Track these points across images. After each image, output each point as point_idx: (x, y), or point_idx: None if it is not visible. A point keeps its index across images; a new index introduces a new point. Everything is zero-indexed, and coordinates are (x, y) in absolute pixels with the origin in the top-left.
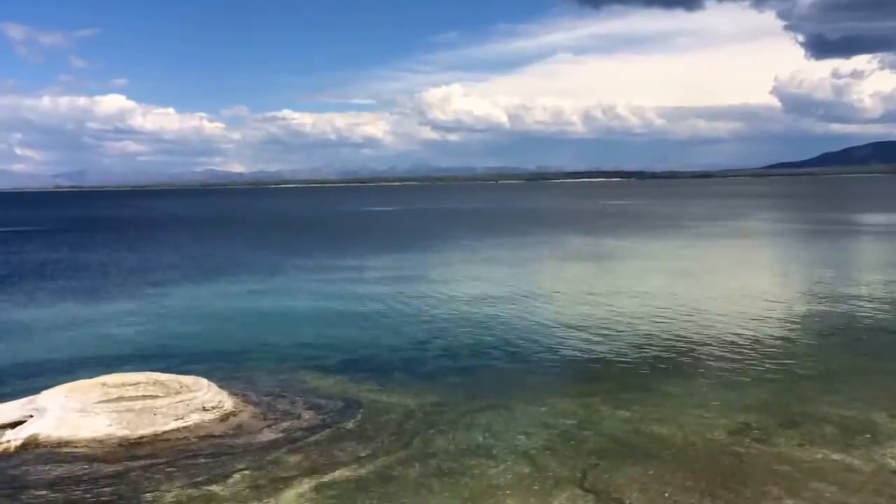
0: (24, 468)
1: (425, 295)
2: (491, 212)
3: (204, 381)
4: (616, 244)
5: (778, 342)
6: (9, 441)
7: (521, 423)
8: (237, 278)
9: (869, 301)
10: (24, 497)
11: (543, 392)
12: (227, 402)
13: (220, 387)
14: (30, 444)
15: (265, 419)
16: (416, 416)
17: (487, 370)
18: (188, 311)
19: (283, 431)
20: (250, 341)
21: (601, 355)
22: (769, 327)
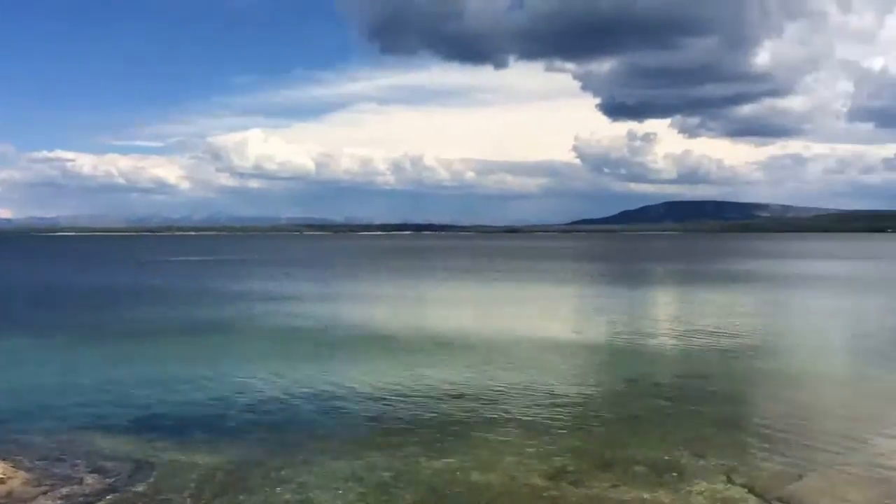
0: None
1: (225, 345)
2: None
3: None
4: (427, 295)
5: (587, 388)
6: None
7: (335, 479)
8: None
9: (667, 348)
10: None
11: (358, 445)
12: None
13: None
14: None
15: (40, 485)
16: (217, 476)
17: (298, 424)
18: None
19: (62, 498)
20: (19, 404)
21: (416, 405)
22: (578, 374)
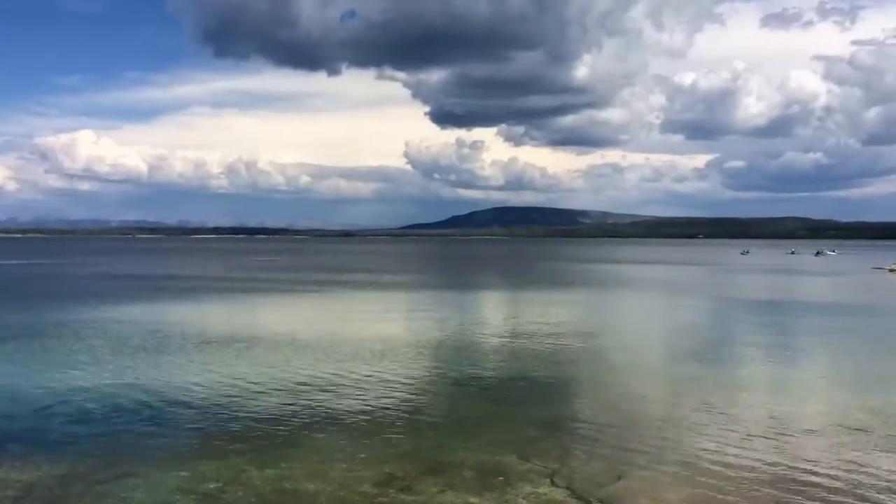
0: None
1: (44, 355)
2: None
3: None
4: (261, 301)
5: (417, 391)
6: None
7: (160, 491)
8: None
9: (494, 349)
10: None
11: (185, 455)
12: None
13: None
14: None
15: None
16: (36, 491)
17: (123, 435)
18: None
19: None
20: None
21: (246, 411)
22: (408, 376)
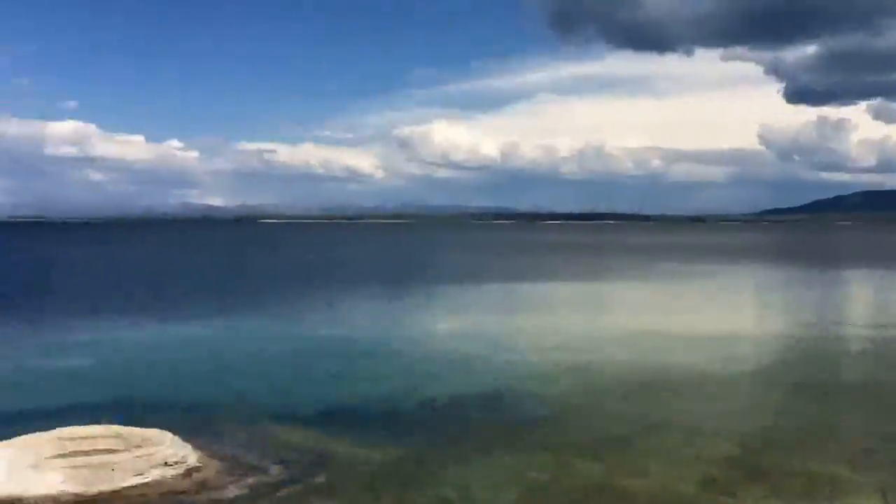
0: None
1: (405, 343)
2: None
3: (167, 434)
4: (611, 288)
5: (749, 395)
6: None
7: (494, 477)
8: (208, 322)
9: (853, 355)
10: None
11: (519, 444)
12: (191, 457)
13: (184, 440)
14: None
15: (231, 474)
16: (388, 470)
17: (466, 422)
18: (152, 358)
19: (249, 487)
20: (217, 391)
21: (580, 406)
22: (741, 379)
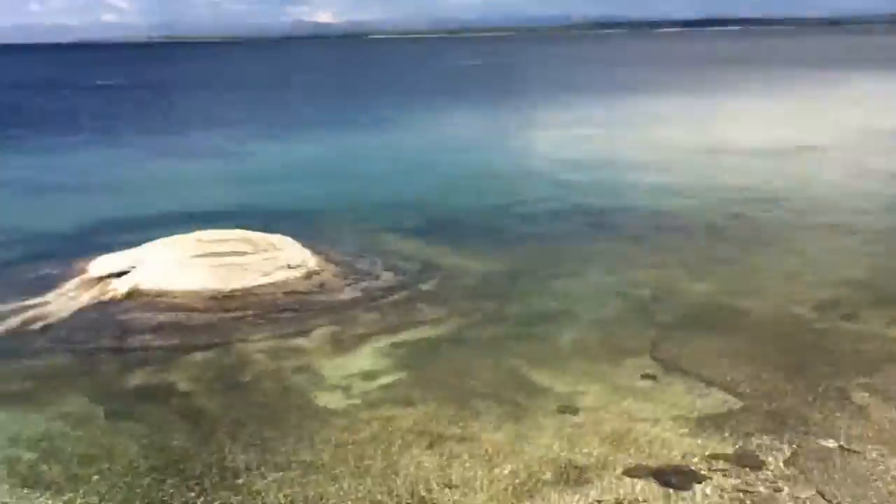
0: (128, 314)
1: (512, 157)
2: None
3: (289, 239)
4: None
5: (886, 219)
6: (115, 289)
7: (596, 292)
8: (325, 136)
9: None
10: (129, 340)
11: (623, 261)
12: (311, 261)
13: (304, 246)
14: (133, 293)
15: (346, 278)
16: (491, 280)
17: (566, 237)
18: (275, 171)
19: (362, 291)
20: (334, 202)
21: (689, 223)
22: (875, 200)
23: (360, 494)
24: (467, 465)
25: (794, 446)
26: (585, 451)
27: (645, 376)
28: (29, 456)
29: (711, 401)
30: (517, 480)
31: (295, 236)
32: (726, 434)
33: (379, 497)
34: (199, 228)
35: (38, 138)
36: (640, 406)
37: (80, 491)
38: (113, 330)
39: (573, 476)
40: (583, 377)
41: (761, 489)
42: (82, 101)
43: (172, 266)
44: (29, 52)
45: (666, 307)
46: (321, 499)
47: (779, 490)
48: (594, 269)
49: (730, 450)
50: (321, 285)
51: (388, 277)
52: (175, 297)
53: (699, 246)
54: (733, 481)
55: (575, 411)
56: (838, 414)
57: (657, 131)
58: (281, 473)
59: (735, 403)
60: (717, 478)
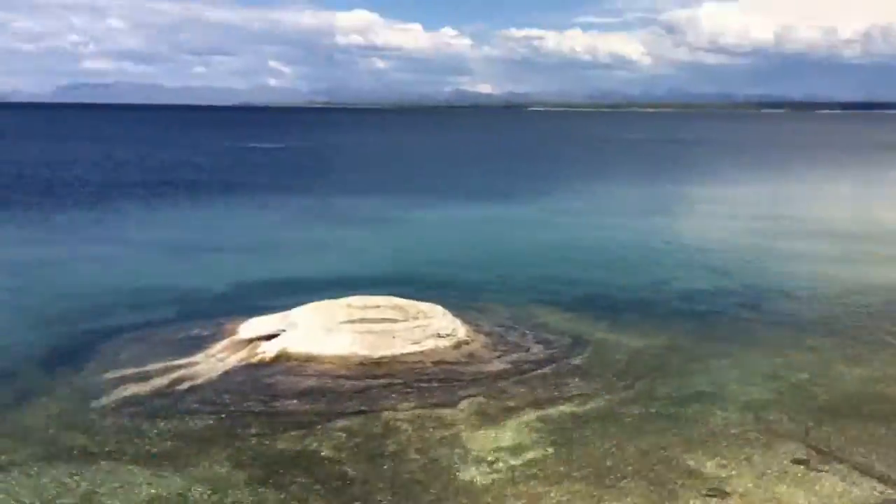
0: (276, 377)
1: (669, 234)
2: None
3: (440, 308)
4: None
5: None
6: (264, 352)
7: (750, 374)
8: (481, 206)
9: None
10: (275, 404)
11: (778, 342)
12: (461, 331)
13: (455, 315)
14: (282, 357)
15: (495, 349)
16: (642, 358)
17: (722, 316)
18: (429, 238)
19: (511, 363)
20: (486, 272)
21: (847, 306)
22: None
23: None
24: None
25: None
26: None
27: (797, 461)
28: None
29: (866, 489)
30: None
31: (446, 305)
32: None
33: None
34: (350, 294)
35: (192, 196)
36: (792, 492)
37: None
38: (259, 393)
39: None
40: (733, 460)
41: None
42: (239, 161)
43: (321, 331)
44: (192, 112)
45: (821, 392)
46: None
47: None
48: (749, 349)
49: None
50: (470, 355)
51: (537, 350)
52: (323, 363)
53: (860, 329)
54: None
55: (724, 495)
56: None
57: (819, 215)
58: None
59: (891, 494)
60: None
